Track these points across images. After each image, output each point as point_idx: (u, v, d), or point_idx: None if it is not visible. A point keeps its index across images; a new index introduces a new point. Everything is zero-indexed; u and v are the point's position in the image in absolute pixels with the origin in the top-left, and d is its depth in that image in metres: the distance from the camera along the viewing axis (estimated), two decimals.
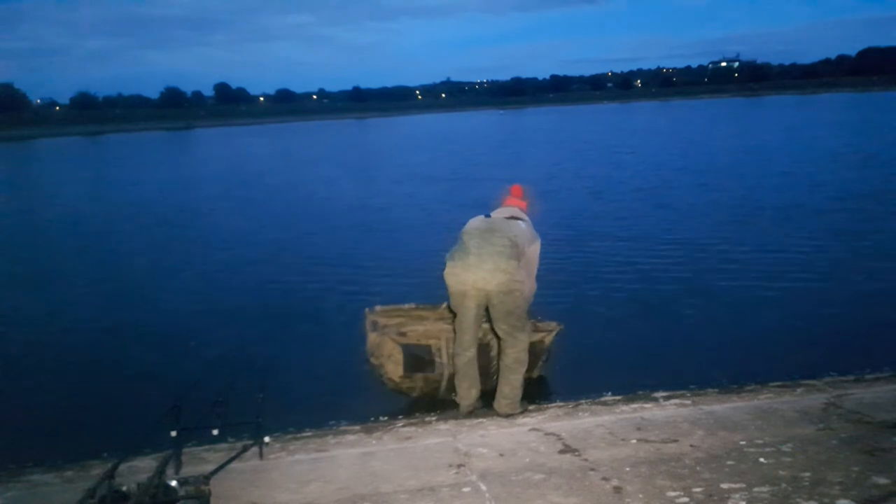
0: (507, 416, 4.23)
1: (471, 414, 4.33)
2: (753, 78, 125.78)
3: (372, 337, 4.68)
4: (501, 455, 3.34)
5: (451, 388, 4.59)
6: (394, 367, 4.68)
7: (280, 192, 18.12)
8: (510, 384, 4.29)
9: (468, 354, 4.41)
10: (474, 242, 4.28)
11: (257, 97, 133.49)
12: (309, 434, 4.03)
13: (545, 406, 4.32)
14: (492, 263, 4.16)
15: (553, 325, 5.08)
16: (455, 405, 4.51)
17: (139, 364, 5.93)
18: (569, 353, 5.29)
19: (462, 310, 4.32)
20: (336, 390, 5.09)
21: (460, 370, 4.46)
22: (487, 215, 4.54)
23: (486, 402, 4.47)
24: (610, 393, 4.57)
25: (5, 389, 5.53)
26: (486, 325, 4.49)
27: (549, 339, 5.04)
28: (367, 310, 4.94)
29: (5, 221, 15.79)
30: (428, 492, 2.97)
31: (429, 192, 16.57)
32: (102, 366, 5.97)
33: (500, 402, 4.31)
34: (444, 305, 4.87)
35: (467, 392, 4.46)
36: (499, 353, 4.49)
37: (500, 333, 4.37)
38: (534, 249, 4.45)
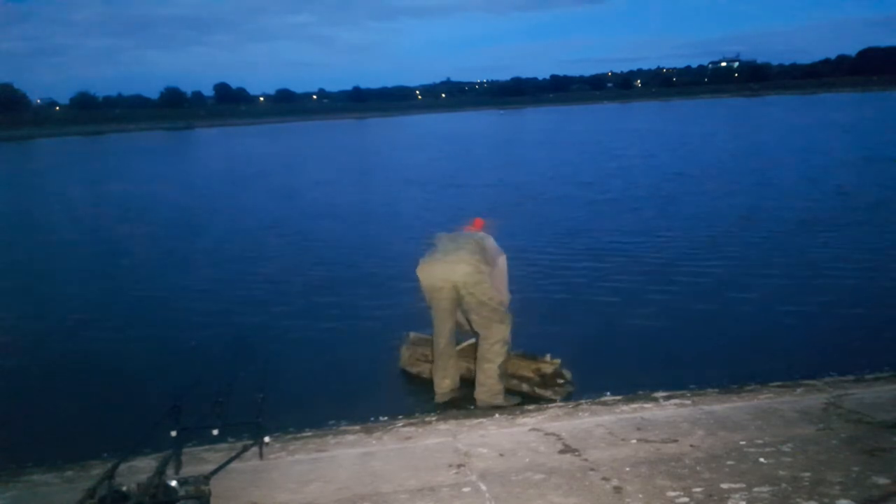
0: (488, 405, 4.46)
1: (447, 403, 4.68)
2: (753, 78, 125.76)
3: (403, 350, 5.48)
4: (501, 455, 3.34)
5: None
6: (419, 369, 5.36)
7: (280, 194, 18.12)
8: (485, 373, 4.56)
9: (442, 343, 4.73)
10: (442, 244, 4.80)
11: (257, 97, 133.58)
12: (309, 434, 4.03)
13: (545, 406, 4.32)
14: (455, 256, 4.59)
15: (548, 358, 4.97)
16: (457, 404, 4.65)
17: (139, 364, 5.93)
18: (569, 353, 5.28)
19: (434, 303, 4.70)
20: (336, 390, 5.10)
21: (436, 361, 4.80)
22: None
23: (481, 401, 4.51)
24: (610, 393, 4.56)
25: (5, 390, 5.53)
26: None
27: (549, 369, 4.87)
28: (404, 333, 5.58)
29: (2, 222, 15.80)
30: (428, 492, 2.97)
31: (432, 196, 16.55)
32: (103, 366, 5.97)
33: (477, 390, 4.60)
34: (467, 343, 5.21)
35: (441, 381, 4.80)
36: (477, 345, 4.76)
37: (475, 326, 4.66)
38: (501, 261, 4.84)
